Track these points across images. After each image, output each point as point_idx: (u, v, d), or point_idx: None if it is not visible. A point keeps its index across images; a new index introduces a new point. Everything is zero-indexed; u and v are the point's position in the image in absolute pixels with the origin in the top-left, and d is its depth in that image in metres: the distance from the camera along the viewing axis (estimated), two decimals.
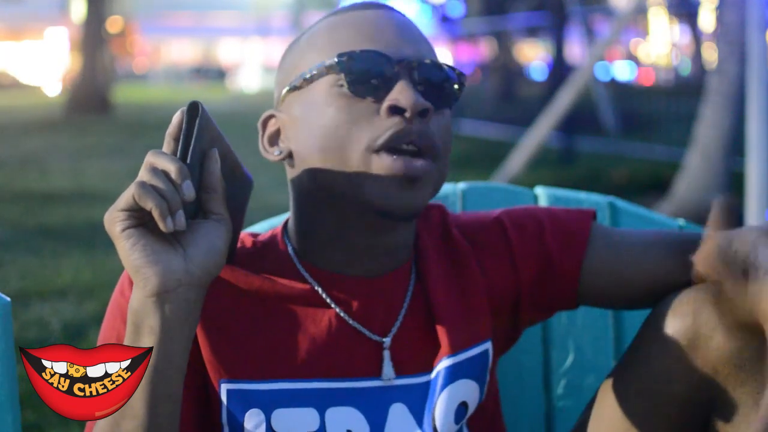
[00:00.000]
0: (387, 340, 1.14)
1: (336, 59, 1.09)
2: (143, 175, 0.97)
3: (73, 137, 12.00)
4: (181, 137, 1.00)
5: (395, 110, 1.07)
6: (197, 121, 1.00)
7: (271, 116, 1.18)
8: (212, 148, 1.03)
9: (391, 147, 1.07)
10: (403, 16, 1.17)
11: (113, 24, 23.12)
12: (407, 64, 1.10)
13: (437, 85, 1.11)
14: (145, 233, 0.97)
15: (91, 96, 15.79)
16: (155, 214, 0.95)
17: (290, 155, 1.14)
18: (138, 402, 0.98)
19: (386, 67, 1.09)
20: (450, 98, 1.13)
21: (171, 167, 0.97)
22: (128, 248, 0.97)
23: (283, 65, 1.19)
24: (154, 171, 0.97)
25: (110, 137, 12.12)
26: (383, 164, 1.07)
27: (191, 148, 1.00)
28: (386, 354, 1.14)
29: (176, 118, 1.01)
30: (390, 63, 1.09)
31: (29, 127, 13.70)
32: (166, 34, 46.54)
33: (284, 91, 1.15)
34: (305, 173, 1.12)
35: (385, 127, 1.07)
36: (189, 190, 0.97)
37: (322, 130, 1.09)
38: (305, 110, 1.12)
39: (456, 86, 1.13)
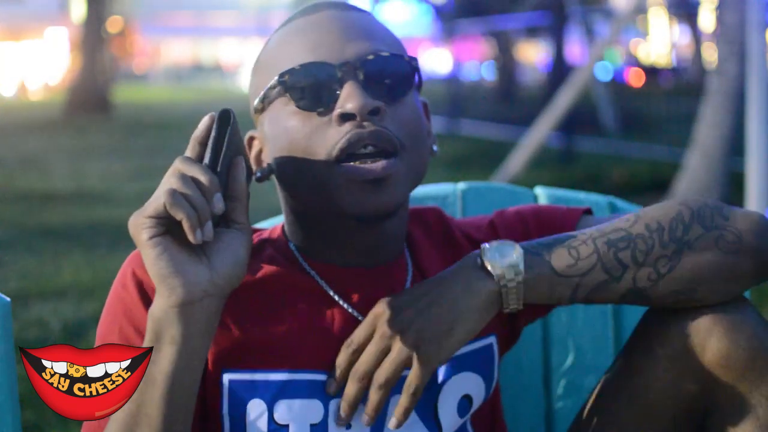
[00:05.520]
0: None
1: (277, 79, 1.09)
2: (173, 182, 0.95)
3: (73, 137, 12.00)
4: (211, 144, 0.98)
5: (345, 117, 1.06)
6: (228, 129, 0.99)
7: (252, 137, 1.19)
8: (238, 156, 1.02)
9: (348, 155, 1.06)
10: (353, 11, 1.14)
11: (113, 24, 23.09)
12: (350, 65, 1.08)
13: (387, 77, 1.09)
14: (172, 242, 0.96)
15: (91, 96, 15.79)
16: (186, 226, 0.93)
17: (272, 171, 1.14)
18: (154, 410, 0.98)
19: (328, 74, 1.07)
20: (405, 86, 1.11)
21: (203, 178, 0.96)
22: (155, 257, 0.95)
23: (251, 86, 1.18)
24: (184, 179, 0.95)
25: (110, 137, 12.12)
26: (345, 173, 1.06)
27: (222, 156, 0.98)
28: None
29: (204, 123, 1.00)
30: (331, 70, 1.07)
31: (29, 127, 13.69)
32: (166, 34, 46.49)
33: (253, 113, 1.16)
34: (284, 188, 1.13)
35: (338, 136, 1.06)
36: (220, 203, 0.96)
37: (287, 148, 1.09)
38: (271, 130, 1.12)
39: (409, 72, 1.11)
